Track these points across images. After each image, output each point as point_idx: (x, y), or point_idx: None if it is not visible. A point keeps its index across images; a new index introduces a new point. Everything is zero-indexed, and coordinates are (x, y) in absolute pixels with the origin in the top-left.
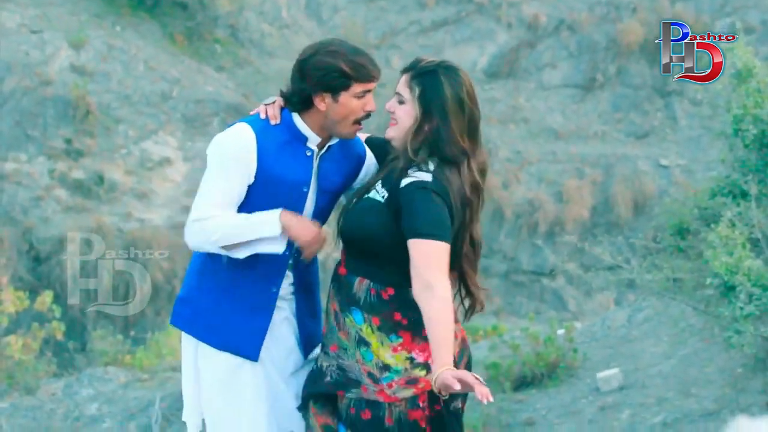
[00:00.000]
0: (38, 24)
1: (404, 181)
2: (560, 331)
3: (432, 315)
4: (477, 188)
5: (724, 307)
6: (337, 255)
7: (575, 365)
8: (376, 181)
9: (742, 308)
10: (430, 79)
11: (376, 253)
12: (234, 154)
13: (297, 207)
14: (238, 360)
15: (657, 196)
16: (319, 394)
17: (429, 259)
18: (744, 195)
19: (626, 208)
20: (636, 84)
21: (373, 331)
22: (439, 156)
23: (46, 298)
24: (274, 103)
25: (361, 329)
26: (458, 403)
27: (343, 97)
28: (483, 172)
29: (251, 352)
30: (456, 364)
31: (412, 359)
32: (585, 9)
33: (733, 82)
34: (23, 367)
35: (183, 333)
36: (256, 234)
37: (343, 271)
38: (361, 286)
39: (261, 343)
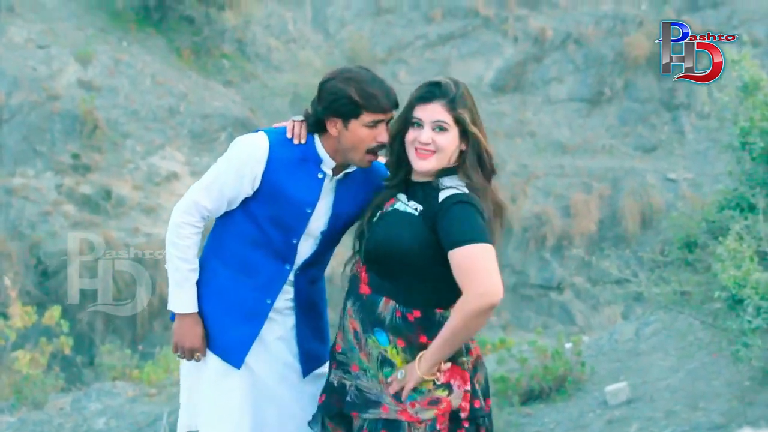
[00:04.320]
0: (45, 39)
1: (442, 195)
2: (568, 345)
3: (454, 324)
4: (500, 207)
5: (732, 320)
6: (340, 268)
7: (583, 379)
8: (390, 196)
9: (750, 322)
10: (467, 102)
11: (407, 269)
12: (243, 159)
13: (299, 226)
14: (228, 365)
15: (664, 210)
16: (334, 412)
17: (471, 262)
18: (752, 208)
19: (633, 221)
20: (643, 97)
21: (398, 352)
22: (481, 170)
23: (54, 312)
24: (303, 122)
25: (385, 350)
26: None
27: (353, 124)
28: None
29: (236, 360)
30: (471, 380)
31: (434, 381)
32: (591, 23)
33: (740, 94)
34: (31, 381)
35: None
36: (172, 290)
37: (366, 290)
38: (387, 306)
39: (246, 352)
